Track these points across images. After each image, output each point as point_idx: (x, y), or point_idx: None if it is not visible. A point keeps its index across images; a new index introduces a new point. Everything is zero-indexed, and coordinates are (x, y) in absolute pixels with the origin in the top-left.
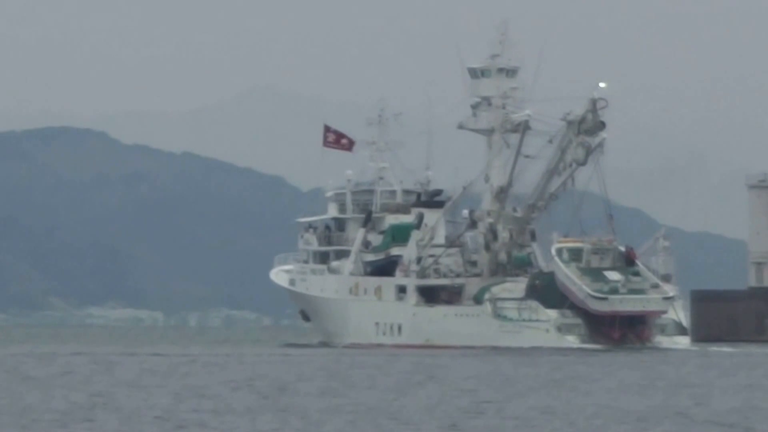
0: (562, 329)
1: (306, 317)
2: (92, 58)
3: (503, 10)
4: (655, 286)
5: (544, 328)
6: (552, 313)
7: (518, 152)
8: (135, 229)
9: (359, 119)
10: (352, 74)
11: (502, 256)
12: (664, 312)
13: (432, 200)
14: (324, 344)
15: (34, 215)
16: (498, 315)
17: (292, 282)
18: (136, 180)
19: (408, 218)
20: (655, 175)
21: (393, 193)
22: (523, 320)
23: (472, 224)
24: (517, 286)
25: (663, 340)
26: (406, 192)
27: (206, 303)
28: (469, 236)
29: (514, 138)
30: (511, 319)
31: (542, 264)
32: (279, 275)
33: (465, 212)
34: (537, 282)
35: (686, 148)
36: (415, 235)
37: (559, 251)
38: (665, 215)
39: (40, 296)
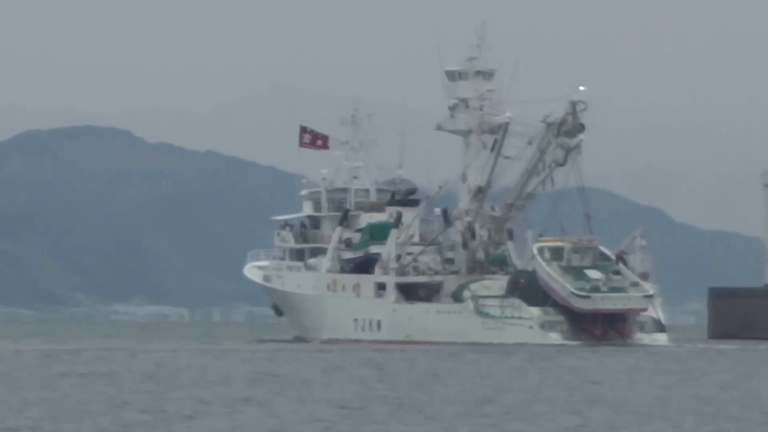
0: (545, 326)
1: (279, 312)
2: (117, 56)
3: (482, 13)
4: (635, 285)
5: (528, 325)
6: (535, 311)
7: (498, 153)
8: (159, 226)
9: (379, 117)
10: (370, 73)
11: (480, 254)
12: (645, 309)
13: (407, 199)
14: (299, 339)
15: (59, 212)
16: (480, 312)
17: (267, 278)
18: (159, 177)
19: (382, 216)
20: (674, 174)
21: (367, 191)
22: (506, 317)
23: (446, 222)
24: (495, 283)
25: (643, 337)
26: (380, 191)
27: (229, 299)
28: (442, 234)
29: (490, 139)
30: (493, 316)
31: (516, 262)
32: (252, 271)
33: (437, 210)
34: (519, 280)
35: (705, 147)
36: (394, 233)
37: (541, 250)
38: (683, 214)
39: (66, 293)
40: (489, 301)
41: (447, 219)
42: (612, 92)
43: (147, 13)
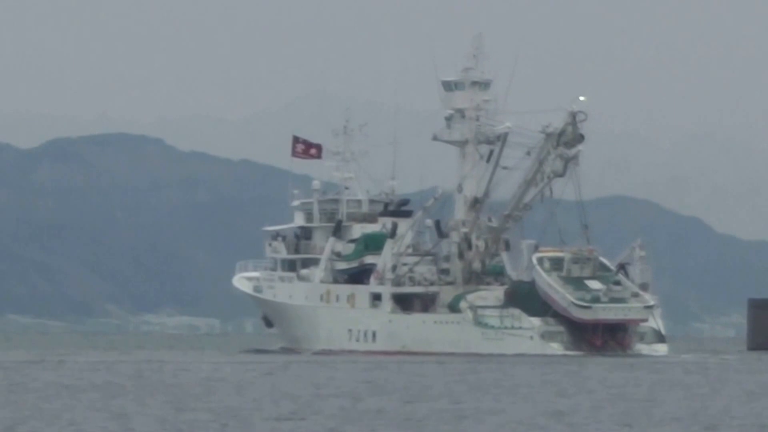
0: (545, 337)
1: (269, 323)
2: (149, 64)
3: (478, 23)
4: (636, 295)
5: (528, 335)
6: (535, 321)
7: (496, 163)
8: (192, 235)
9: (412, 126)
10: (405, 80)
11: (476, 265)
12: (645, 320)
13: (400, 210)
14: (289, 350)
15: (90, 221)
16: (479, 322)
17: (257, 289)
18: (192, 186)
19: (375, 227)
20: (715, 184)
21: (359, 202)
22: (506, 328)
23: (438, 233)
24: (492, 294)
25: (642, 348)
26: (372, 201)
27: None
28: (437, 245)
29: (486, 149)
30: (492, 327)
31: (512, 273)
32: (241, 282)
33: (428, 221)
34: (517, 290)
35: (746, 157)
36: (390, 243)
37: (540, 260)
38: (724, 224)
39: (96, 303)
40: (488, 312)
41: (439, 230)
42: (650, 102)
43: (180, 21)
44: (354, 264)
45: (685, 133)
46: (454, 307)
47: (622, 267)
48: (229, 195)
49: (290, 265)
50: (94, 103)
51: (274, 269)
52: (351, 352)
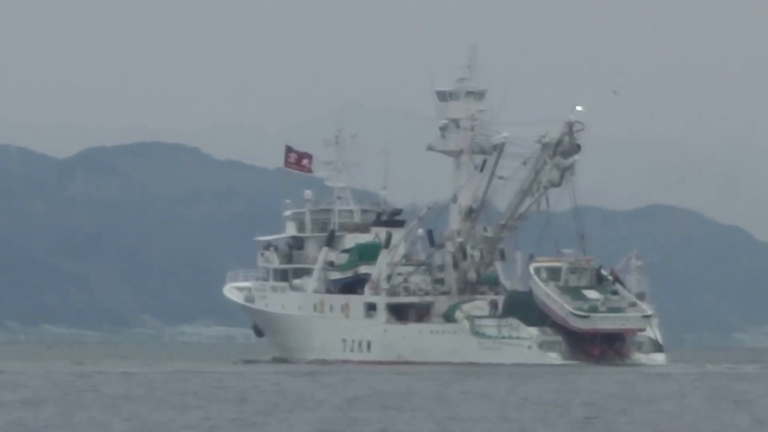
0: (543, 346)
1: (259, 333)
2: (185, 73)
3: (473, 35)
4: (633, 305)
5: (527, 345)
6: (533, 331)
7: (492, 173)
8: (227, 245)
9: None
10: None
11: (472, 275)
12: (643, 330)
13: (392, 219)
14: (281, 360)
15: (125, 231)
16: (476, 332)
17: (249, 298)
18: (228, 196)
19: (367, 237)
20: (756, 192)
21: (350, 212)
22: (503, 337)
23: (431, 243)
24: (487, 304)
25: (640, 357)
26: (364, 211)
27: None
28: (431, 255)
29: (480, 159)
30: (490, 337)
31: (505, 283)
32: (231, 291)
33: (420, 231)
34: (515, 300)
35: None
36: (385, 253)
37: (538, 270)
38: (766, 232)
39: (132, 313)
40: (485, 321)
41: (432, 240)
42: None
43: (216, 31)
44: (348, 274)
45: (723, 142)
46: (449, 317)
47: (616, 277)
48: (266, 205)
49: (282, 275)
50: (128, 112)
51: (265, 279)
52: (345, 362)
